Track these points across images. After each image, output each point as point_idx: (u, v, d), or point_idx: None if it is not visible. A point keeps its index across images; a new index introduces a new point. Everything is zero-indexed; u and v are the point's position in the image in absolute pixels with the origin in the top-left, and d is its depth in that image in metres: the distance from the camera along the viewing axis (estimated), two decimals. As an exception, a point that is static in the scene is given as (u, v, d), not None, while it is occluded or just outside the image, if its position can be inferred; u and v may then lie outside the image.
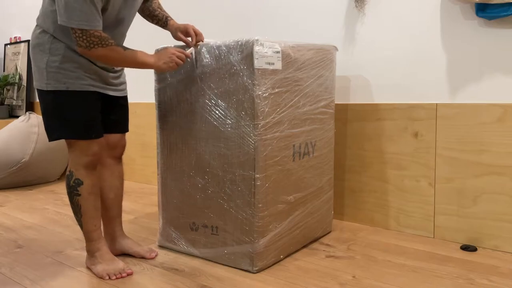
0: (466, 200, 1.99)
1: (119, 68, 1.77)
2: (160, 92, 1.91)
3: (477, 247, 1.95)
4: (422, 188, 2.11)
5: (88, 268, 1.76)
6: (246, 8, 2.69)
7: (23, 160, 3.13)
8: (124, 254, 1.88)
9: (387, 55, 2.19)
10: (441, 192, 2.05)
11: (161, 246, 1.99)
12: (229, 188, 1.74)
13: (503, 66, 1.89)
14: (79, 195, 1.66)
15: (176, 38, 1.81)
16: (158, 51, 1.75)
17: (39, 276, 1.71)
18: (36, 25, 1.65)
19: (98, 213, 1.73)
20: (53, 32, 1.59)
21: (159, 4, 1.88)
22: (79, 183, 1.65)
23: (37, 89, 1.64)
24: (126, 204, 2.75)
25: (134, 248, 1.88)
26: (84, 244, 1.76)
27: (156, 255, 1.89)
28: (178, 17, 3.00)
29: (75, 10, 1.46)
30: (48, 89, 1.59)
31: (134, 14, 1.75)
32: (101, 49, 1.53)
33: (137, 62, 1.62)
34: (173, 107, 1.87)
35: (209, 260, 1.83)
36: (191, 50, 1.76)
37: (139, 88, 3.15)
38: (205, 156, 1.79)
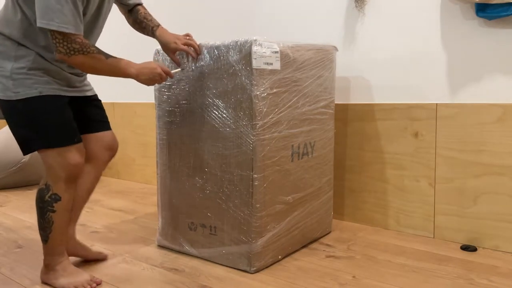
0: (466, 200, 1.99)
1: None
2: (160, 92, 1.91)
3: (477, 247, 1.95)
4: (422, 188, 2.10)
5: (46, 283, 1.63)
6: (245, 8, 2.69)
7: (23, 160, 3.13)
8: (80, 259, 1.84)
9: (387, 55, 2.18)
10: (441, 192, 2.05)
11: (161, 246, 1.99)
12: (227, 188, 1.73)
13: (503, 66, 1.89)
14: (54, 211, 1.55)
15: (168, 55, 1.75)
16: (143, 63, 1.63)
17: (39, 276, 1.71)
18: None
19: (67, 227, 1.63)
20: (18, 39, 1.48)
21: (146, 14, 1.78)
22: (57, 198, 1.54)
23: (1, 100, 1.49)
24: (126, 204, 2.76)
25: (82, 252, 1.81)
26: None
27: (105, 258, 1.85)
28: (178, 17, 3.01)
29: (56, 11, 1.36)
30: (18, 98, 1.46)
31: (104, 22, 1.68)
32: (81, 57, 1.43)
33: (118, 72, 1.52)
34: (172, 107, 1.87)
35: (208, 260, 1.83)
36: (178, 70, 1.74)
37: (139, 88, 3.14)
38: (204, 156, 1.79)
